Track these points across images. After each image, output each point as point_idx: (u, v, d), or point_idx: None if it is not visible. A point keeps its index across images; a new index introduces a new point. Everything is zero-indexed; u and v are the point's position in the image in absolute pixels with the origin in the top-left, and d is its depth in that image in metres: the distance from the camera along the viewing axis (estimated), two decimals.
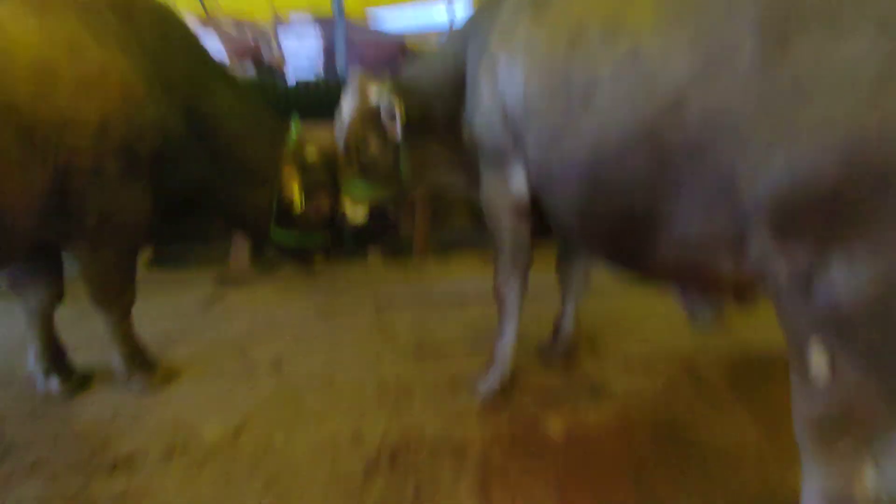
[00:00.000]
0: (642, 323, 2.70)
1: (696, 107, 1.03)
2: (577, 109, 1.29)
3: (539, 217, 1.79)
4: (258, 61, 4.37)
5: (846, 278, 0.88)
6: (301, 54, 4.29)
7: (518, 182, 1.74)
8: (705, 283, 1.30)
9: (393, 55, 4.19)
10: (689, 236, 1.17)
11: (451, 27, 4.37)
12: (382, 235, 3.42)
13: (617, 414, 2.01)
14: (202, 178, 2.13)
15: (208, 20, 4.53)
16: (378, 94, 2.00)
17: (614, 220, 1.32)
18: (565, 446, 1.86)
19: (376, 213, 2.42)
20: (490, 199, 1.87)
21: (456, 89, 1.95)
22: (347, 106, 2.10)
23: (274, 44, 4.39)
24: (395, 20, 5.22)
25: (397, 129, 1.96)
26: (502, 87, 1.64)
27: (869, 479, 1.03)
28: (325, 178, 2.33)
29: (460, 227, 3.91)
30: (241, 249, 3.47)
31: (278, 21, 4.53)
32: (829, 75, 0.84)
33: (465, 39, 1.95)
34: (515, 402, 2.09)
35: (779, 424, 1.75)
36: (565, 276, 2.22)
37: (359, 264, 3.65)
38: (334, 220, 2.42)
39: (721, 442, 1.85)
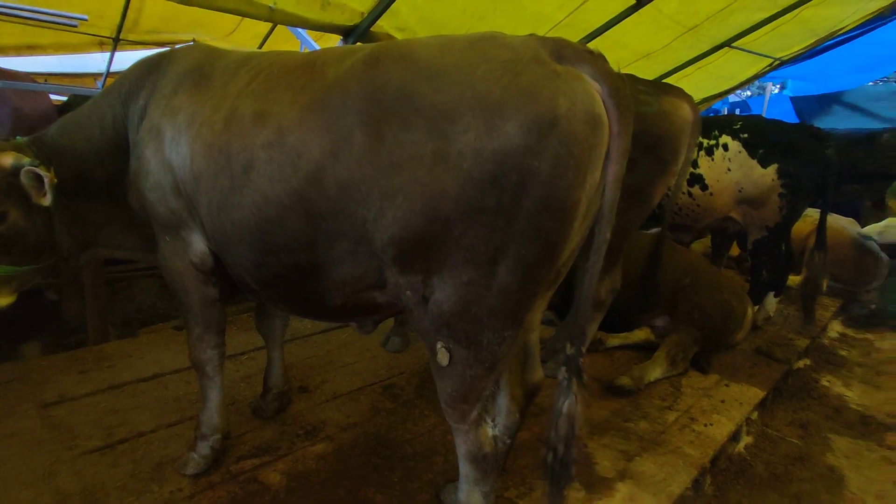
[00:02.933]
0: (345, 357, 3.00)
1: (332, 178, 1.34)
2: (240, 182, 1.47)
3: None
4: None
5: (443, 295, 1.30)
6: None
7: (198, 245, 1.76)
8: (372, 313, 1.64)
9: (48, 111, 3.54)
10: (347, 280, 1.47)
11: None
12: (39, 322, 2.81)
13: (332, 448, 2.20)
14: None
15: None
16: (14, 158, 1.74)
17: (286, 274, 1.54)
18: (286, 493, 1.94)
19: (28, 297, 2.03)
20: (169, 263, 1.84)
21: (115, 150, 1.89)
22: None
23: None
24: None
25: (45, 193, 1.74)
26: (170, 159, 1.68)
27: (491, 433, 1.49)
28: None
29: (146, 299, 3.53)
30: None
31: None
32: (409, 156, 1.25)
33: (123, 100, 1.90)
34: (231, 465, 2.05)
35: None
36: (265, 328, 2.32)
37: (11, 363, 2.88)
38: None
39: (417, 442, 2.25)
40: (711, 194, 3.58)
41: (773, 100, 10.56)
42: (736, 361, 3.24)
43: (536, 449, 2.13)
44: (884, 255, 4.77)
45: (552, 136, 1.17)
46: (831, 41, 6.93)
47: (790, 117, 10.24)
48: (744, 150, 3.48)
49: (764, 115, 9.56)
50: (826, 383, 3.42)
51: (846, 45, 7.31)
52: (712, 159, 3.55)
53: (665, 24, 4.92)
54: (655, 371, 2.88)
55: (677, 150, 2.41)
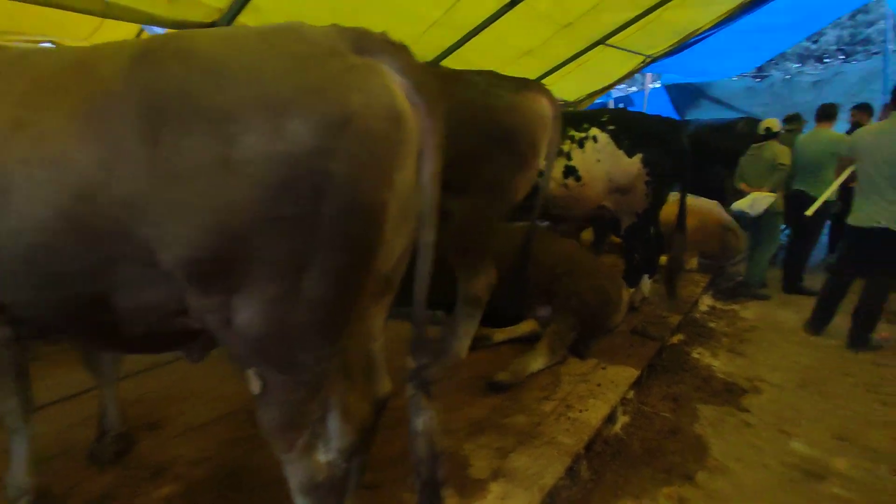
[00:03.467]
0: (205, 384, 2.73)
1: (106, 194, 1.14)
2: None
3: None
4: None
5: (248, 316, 1.15)
6: None
7: None
8: (191, 340, 1.45)
9: None
10: (145, 308, 1.27)
11: None
12: None
13: (181, 487, 1.97)
14: None
15: None
16: None
17: (72, 308, 1.31)
18: None
19: None
20: None
21: None
22: None
23: None
24: None
25: None
26: None
27: (324, 459, 1.36)
28: None
29: None
30: None
31: None
32: (191, 164, 1.08)
33: None
34: None
35: None
36: (91, 363, 2.03)
37: None
38: None
39: (277, 467, 2.06)
40: (585, 185, 3.70)
41: (653, 94, 11.37)
42: (614, 344, 3.37)
43: (406, 461, 2.04)
44: (742, 231, 5.24)
45: (346, 136, 1.07)
46: (692, 39, 7.54)
47: (668, 109, 11.13)
48: (611, 141, 3.63)
49: (645, 108, 10.29)
50: (697, 355, 3.66)
51: (706, 41, 7.99)
52: (584, 151, 3.67)
53: (540, 21, 5.06)
54: (536, 362, 2.90)
55: (535, 143, 2.42)
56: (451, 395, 2.64)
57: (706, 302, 4.77)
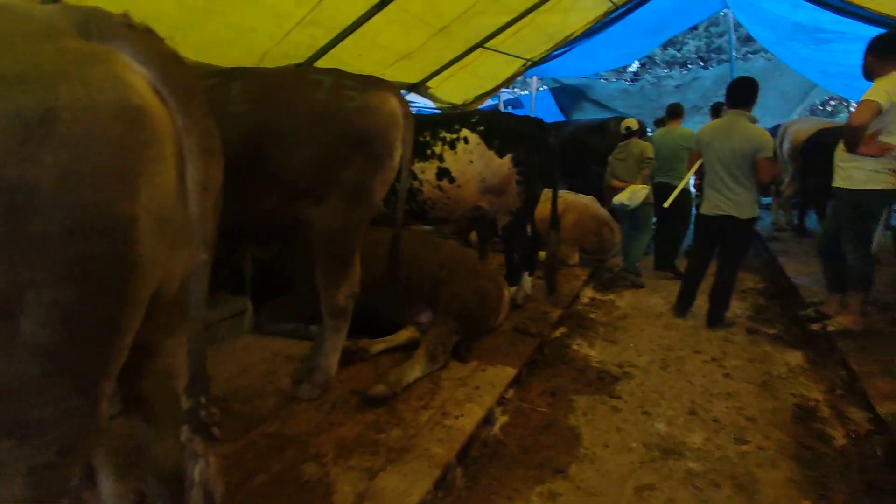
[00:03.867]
0: None
1: None
2: None
3: None
4: None
5: None
6: None
7: None
8: None
9: None
10: None
11: None
12: None
13: None
14: None
15: None
16: None
17: None
18: None
19: None
20: None
21: None
22: None
23: None
24: None
25: None
26: None
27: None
28: None
29: None
30: None
31: None
32: None
33: None
34: None
35: None
36: None
37: None
38: None
39: None
40: (459, 186, 3.71)
41: (541, 96, 11.89)
42: (496, 343, 3.40)
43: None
44: (617, 224, 5.58)
45: (53, 137, 0.87)
46: (568, 44, 7.96)
47: (555, 110, 11.72)
48: (482, 142, 3.66)
49: (533, 109, 10.72)
50: (576, 347, 3.80)
51: (581, 44, 8.48)
52: (456, 153, 3.68)
53: (415, 24, 5.03)
54: (414, 370, 2.83)
55: (390, 143, 2.35)
56: (322, 415, 2.49)
57: (587, 294, 5.01)
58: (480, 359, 3.16)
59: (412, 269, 3.30)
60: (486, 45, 6.25)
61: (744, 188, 3.77)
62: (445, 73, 6.45)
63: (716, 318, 4.11)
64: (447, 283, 3.28)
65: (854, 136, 3.18)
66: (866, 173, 3.26)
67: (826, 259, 3.72)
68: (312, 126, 2.20)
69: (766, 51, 11.78)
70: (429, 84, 6.57)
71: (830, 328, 3.56)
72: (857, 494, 2.25)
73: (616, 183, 5.13)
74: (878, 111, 3.10)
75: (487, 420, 2.66)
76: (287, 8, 3.99)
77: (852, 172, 3.33)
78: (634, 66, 20.40)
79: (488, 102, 11.23)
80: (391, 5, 4.41)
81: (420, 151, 3.74)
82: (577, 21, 7.14)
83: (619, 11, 7.53)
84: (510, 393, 3.00)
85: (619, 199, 4.92)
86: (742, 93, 3.81)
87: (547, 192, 4.17)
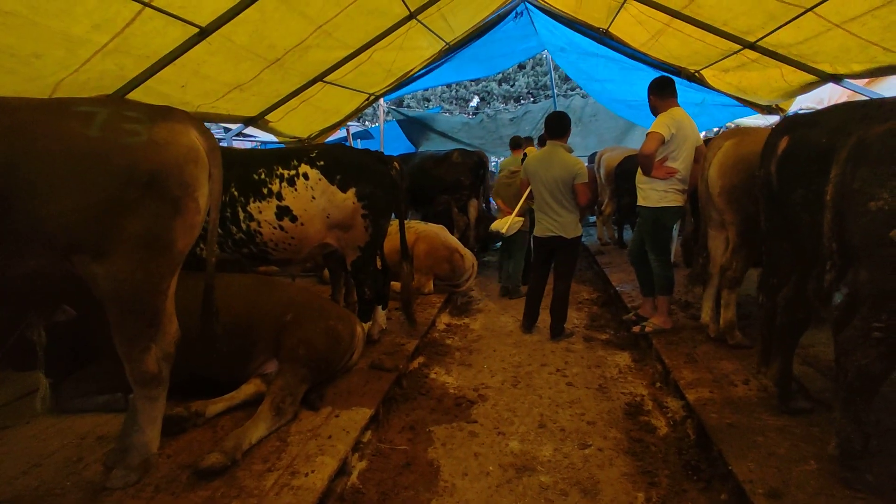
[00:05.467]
0: None
1: None
2: None
3: None
4: None
5: None
6: None
7: None
8: None
9: None
10: None
11: None
12: None
13: None
14: None
15: None
16: None
17: None
18: None
19: None
20: None
21: None
22: None
23: None
24: None
25: None
26: None
27: None
28: None
29: None
30: None
31: None
32: None
33: None
34: None
35: None
36: None
37: None
38: None
39: None
40: (303, 224, 3.55)
41: (389, 128, 12.12)
42: (351, 384, 3.26)
43: None
44: (469, 252, 5.83)
45: None
46: (408, 79, 8.28)
47: (405, 142, 12.04)
48: (323, 177, 3.56)
49: (381, 141, 10.88)
50: (434, 375, 3.82)
51: (421, 80, 8.88)
52: (296, 189, 3.52)
53: (243, 55, 4.78)
54: (258, 430, 2.57)
55: (190, 183, 2.09)
56: (142, 503, 2.12)
57: (443, 320, 5.11)
58: (334, 403, 2.99)
59: (252, 316, 3.05)
60: (326, 79, 6.19)
61: (567, 211, 4.19)
62: (285, 106, 6.24)
63: (557, 331, 4.46)
64: (292, 327, 3.06)
65: (646, 163, 3.78)
66: (658, 193, 3.86)
67: (636, 267, 4.28)
68: (76, 167, 1.87)
69: (582, 89, 13.50)
70: (269, 118, 6.30)
71: (648, 329, 4.07)
72: (676, 475, 2.54)
73: (499, 202, 5.48)
74: (662, 141, 3.72)
75: (343, 471, 2.51)
76: (81, 33, 3.51)
77: (649, 193, 3.92)
78: (475, 101, 22.00)
79: (336, 135, 11.19)
80: (213, 35, 4.14)
81: (255, 190, 3.51)
82: (414, 59, 7.46)
83: (453, 54, 8.08)
84: (367, 435, 2.88)
85: (496, 226, 5.18)
86: (557, 126, 4.26)
87: (396, 224, 4.19)
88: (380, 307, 4.05)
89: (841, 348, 2.09)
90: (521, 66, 21.34)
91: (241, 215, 3.49)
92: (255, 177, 3.52)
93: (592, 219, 9.03)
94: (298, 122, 6.84)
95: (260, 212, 3.50)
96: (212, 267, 2.35)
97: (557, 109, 10.92)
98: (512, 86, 21.81)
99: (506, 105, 21.19)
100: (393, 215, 4.06)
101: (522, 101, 21.29)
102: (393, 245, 4.40)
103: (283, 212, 3.51)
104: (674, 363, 3.42)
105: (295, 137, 7.02)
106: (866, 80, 5.34)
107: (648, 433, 2.94)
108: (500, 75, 21.33)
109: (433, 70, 8.64)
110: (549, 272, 4.53)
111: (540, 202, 4.29)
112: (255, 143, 10.14)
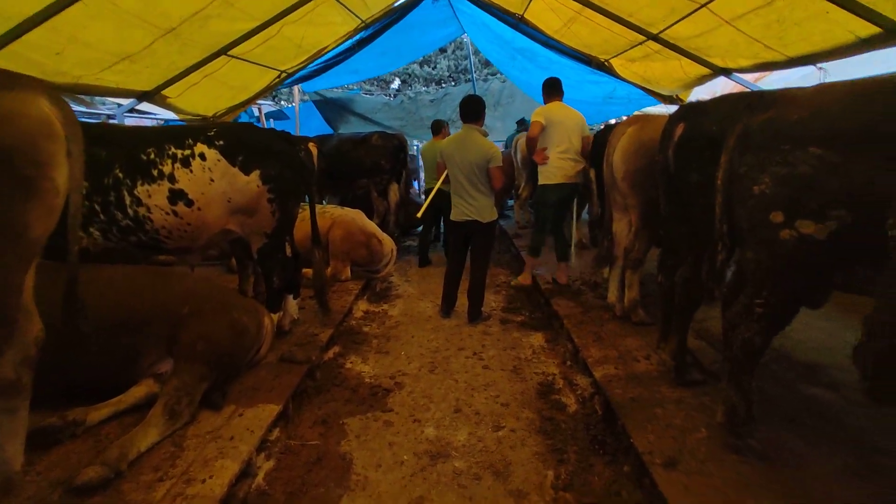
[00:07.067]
0: None
1: None
2: None
3: None
4: None
5: None
6: None
7: None
8: None
9: None
10: None
11: None
12: None
13: None
14: None
15: None
16: None
17: None
18: None
19: None
20: None
21: None
22: None
23: None
24: None
25: None
26: None
27: None
28: None
29: None
30: None
31: None
32: None
33: None
34: None
35: None
36: None
37: None
38: None
39: None
40: (200, 209, 3.26)
41: (305, 108, 11.57)
42: (258, 379, 3.07)
43: None
44: (388, 237, 5.71)
45: None
46: (323, 57, 7.90)
47: (321, 124, 11.56)
48: (223, 158, 3.28)
49: (297, 123, 10.36)
50: (350, 365, 3.70)
51: (338, 58, 8.51)
52: (191, 171, 3.22)
53: (133, 22, 4.29)
54: (148, 436, 2.34)
55: (44, 161, 1.80)
56: None
57: (361, 307, 4.98)
58: (239, 401, 2.80)
59: (142, 311, 2.77)
60: (231, 52, 5.74)
61: (482, 195, 4.20)
62: (186, 80, 5.72)
63: (475, 314, 4.49)
64: (190, 321, 2.82)
65: (531, 147, 4.58)
66: (545, 173, 4.78)
67: (535, 234, 5.08)
68: None
69: (500, 73, 13.63)
70: (166, 93, 5.75)
71: (513, 283, 5.12)
72: (584, 451, 2.63)
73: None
74: (542, 128, 4.66)
75: (246, 473, 2.35)
76: None
77: (543, 172, 4.80)
78: (396, 83, 21.62)
79: (246, 115, 10.52)
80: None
81: (143, 172, 3.17)
82: (328, 36, 7.12)
83: (369, 32, 7.80)
84: (275, 433, 2.73)
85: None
86: (472, 109, 4.23)
87: (306, 209, 3.98)
88: (290, 296, 3.85)
89: (728, 323, 2.24)
90: (443, 50, 21.23)
91: (128, 200, 3.14)
92: (143, 157, 3.18)
93: (511, 202, 9.22)
94: (202, 98, 6.31)
95: (149, 196, 3.17)
96: (74, 256, 2.05)
97: (476, 93, 11.01)
98: (434, 68, 21.67)
99: (427, 87, 21.03)
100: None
101: (444, 84, 21.22)
102: (306, 231, 4.19)
103: (176, 195, 3.20)
104: (583, 342, 3.56)
105: (199, 115, 6.48)
106: (755, 75, 5.81)
107: (559, 411, 3.03)
108: (422, 58, 21.10)
109: (351, 56, 8.34)
110: (467, 256, 4.53)
111: (456, 186, 4.26)
112: (157, 122, 9.26)
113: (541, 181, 4.86)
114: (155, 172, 3.18)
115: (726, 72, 5.62)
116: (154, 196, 3.16)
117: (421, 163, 7.69)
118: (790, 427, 2.45)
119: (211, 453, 2.33)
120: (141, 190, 3.15)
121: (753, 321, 2.13)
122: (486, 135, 4.28)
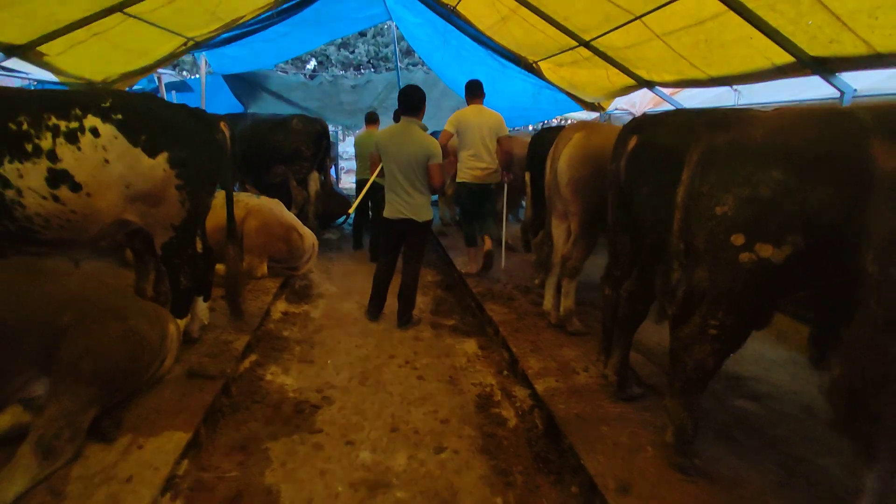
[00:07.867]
0: None
1: None
2: None
3: None
4: None
5: None
6: None
7: None
8: None
9: None
10: None
11: None
12: None
13: None
14: None
15: None
16: None
17: None
18: None
19: None
20: None
21: None
22: None
23: None
24: None
25: None
26: None
27: None
28: None
29: None
30: None
31: None
32: None
33: None
34: None
35: None
36: None
37: None
38: None
39: None
40: (89, 195, 2.71)
41: (212, 81, 10.50)
42: (161, 399, 2.62)
43: None
44: (308, 230, 5.28)
45: None
46: (238, 28, 7.20)
47: (232, 100, 10.59)
48: (121, 135, 2.75)
49: (203, 97, 9.37)
50: (270, 377, 3.32)
51: (253, 33, 7.79)
52: (79, 149, 2.66)
53: None
54: (13, 483, 1.86)
55: None
56: None
57: (280, 308, 4.55)
58: (138, 429, 2.36)
59: (9, 320, 2.23)
60: (128, 10, 4.96)
61: (419, 192, 3.97)
62: (69, 37, 4.86)
63: (405, 318, 4.26)
64: (73, 332, 2.31)
65: (443, 152, 4.56)
66: (459, 172, 5.09)
67: (464, 225, 5.33)
68: None
69: (424, 64, 13.35)
70: (42, 49, 4.85)
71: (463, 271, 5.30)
72: (530, 471, 2.53)
73: None
74: (450, 137, 4.94)
75: None
76: None
77: (458, 171, 5.11)
78: (312, 63, 20.56)
79: (143, 84, 9.35)
80: None
81: (13, 146, 2.57)
82: (245, 4, 6.46)
83: (289, 4, 7.22)
84: (184, 467, 2.33)
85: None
86: (412, 101, 3.97)
87: (221, 197, 3.49)
88: (200, 298, 3.37)
89: (680, 343, 2.22)
90: (362, 34, 20.47)
91: None
92: (13, 126, 2.57)
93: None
94: (89, 59, 5.43)
95: (20, 176, 2.57)
96: None
97: (400, 82, 10.66)
98: (352, 52, 20.85)
99: (345, 72, 20.21)
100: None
101: (363, 70, 20.52)
102: (215, 221, 3.70)
103: (58, 177, 2.63)
104: (521, 352, 3.47)
105: (83, 79, 5.57)
106: (672, 89, 6.12)
107: (500, 426, 2.91)
108: (340, 41, 20.20)
109: (268, 27, 7.68)
110: (398, 256, 4.29)
111: (391, 181, 3.99)
112: (27, 83, 7.81)
113: (458, 179, 5.19)
114: (29, 147, 2.59)
115: (650, 84, 5.85)
116: (27, 176, 2.58)
117: (353, 152, 7.28)
118: (724, 442, 2.52)
119: (100, 499, 1.91)
120: (9, 168, 2.55)
121: (707, 342, 2.12)
122: (425, 129, 4.04)
